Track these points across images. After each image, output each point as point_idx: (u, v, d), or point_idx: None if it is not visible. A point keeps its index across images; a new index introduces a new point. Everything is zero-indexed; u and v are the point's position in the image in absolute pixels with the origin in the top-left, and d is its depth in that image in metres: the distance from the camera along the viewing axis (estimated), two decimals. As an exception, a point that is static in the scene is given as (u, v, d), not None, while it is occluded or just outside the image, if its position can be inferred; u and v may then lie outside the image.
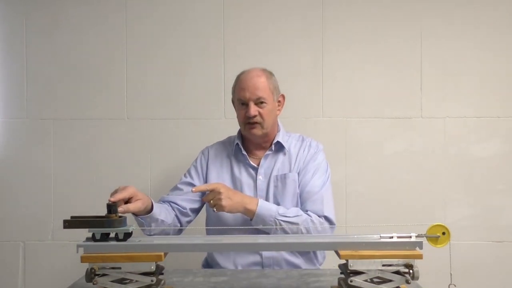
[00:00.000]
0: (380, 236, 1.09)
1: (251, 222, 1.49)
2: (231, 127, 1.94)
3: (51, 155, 2.12)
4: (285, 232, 1.47)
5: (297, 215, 1.50)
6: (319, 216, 1.54)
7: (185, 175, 1.68)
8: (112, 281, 1.06)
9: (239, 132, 1.69)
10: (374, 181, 2.09)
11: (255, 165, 1.63)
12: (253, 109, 1.56)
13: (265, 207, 1.49)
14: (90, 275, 1.04)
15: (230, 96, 1.87)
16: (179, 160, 2.07)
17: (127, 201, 1.29)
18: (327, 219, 1.54)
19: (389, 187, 2.09)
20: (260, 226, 1.47)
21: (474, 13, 2.09)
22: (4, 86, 2.12)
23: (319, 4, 2.10)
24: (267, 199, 1.59)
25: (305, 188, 1.59)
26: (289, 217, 1.49)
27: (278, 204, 1.58)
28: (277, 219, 1.47)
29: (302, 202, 1.59)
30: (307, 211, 1.55)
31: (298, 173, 1.61)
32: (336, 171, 2.08)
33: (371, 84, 2.10)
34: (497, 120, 2.09)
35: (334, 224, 1.55)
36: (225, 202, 1.42)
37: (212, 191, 1.44)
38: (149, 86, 2.12)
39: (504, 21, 2.08)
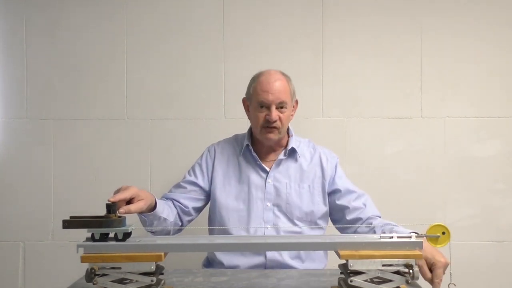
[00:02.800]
0: (380, 236, 1.09)
1: None
2: (231, 127, 1.94)
3: (51, 155, 2.12)
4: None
5: (396, 225, 1.44)
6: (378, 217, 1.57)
7: (189, 173, 1.65)
8: (112, 281, 1.06)
9: (249, 132, 1.67)
10: (374, 181, 2.09)
11: (267, 168, 1.61)
12: (275, 114, 1.53)
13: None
14: (90, 275, 1.04)
15: (230, 96, 1.88)
16: (179, 160, 2.07)
17: (129, 201, 1.29)
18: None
19: (389, 187, 2.09)
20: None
21: (474, 13, 2.09)
22: (4, 86, 2.12)
23: (319, 4, 2.11)
24: (275, 203, 1.57)
25: (359, 202, 1.59)
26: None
27: (290, 211, 1.57)
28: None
29: (358, 212, 1.57)
30: (370, 217, 1.55)
31: (328, 184, 1.62)
32: (336, 171, 2.08)
33: (371, 84, 2.10)
34: (497, 120, 2.09)
35: None
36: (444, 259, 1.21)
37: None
38: (149, 86, 2.12)
39: (504, 21, 2.08)
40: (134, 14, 2.12)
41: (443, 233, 1.08)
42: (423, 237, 1.08)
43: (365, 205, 1.58)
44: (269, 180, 1.59)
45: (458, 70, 2.09)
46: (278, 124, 1.55)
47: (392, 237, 1.08)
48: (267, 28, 2.11)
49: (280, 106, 1.54)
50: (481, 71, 2.09)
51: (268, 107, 1.54)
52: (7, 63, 2.12)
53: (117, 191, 1.26)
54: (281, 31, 2.11)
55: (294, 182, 1.60)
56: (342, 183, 1.62)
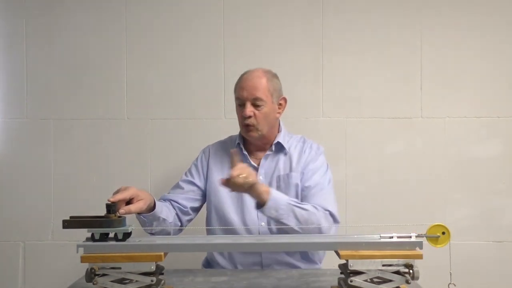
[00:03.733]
0: (380, 236, 1.09)
1: (263, 209, 1.40)
2: (231, 127, 1.94)
3: (51, 155, 2.12)
4: (296, 219, 1.40)
5: (303, 203, 1.46)
6: (324, 210, 1.48)
7: (185, 174, 1.67)
8: (112, 281, 1.06)
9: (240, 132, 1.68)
10: (374, 181, 2.09)
11: (256, 165, 1.62)
12: (249, 110, 1.54)
13: (278, 193, 1.45)
14: (90, 275, 1.05)
15: (230, 96, 1.85)
16: (179, 160, 2.07)
17: (129, 201, 1.29)
18: (331, 214, 1.49)
19: (389, 187, 2.09)
20: (273, 214, 1.39)
21: (474, 13, 2.09)
22: (4, 86, 2.12)
23: (319, 4, 2.10)
24: None
25: (305, 184, 1.56)
26: (297, 201, 1.46)
27: None
28: (289, 203, 1.41)
29: (302, 199, 1.55)
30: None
31: (300, 175, 1.59)
32: (336, 171, 2.07)
33: (371, 84, 2.10)
34: (497, 120, 2.09)
35: (338, 222, 1.51)
36: (254, 178, 1.37)
37: (242, 165, 1.38)
38: (149, 86, 2.12)
39: (504, 21, 2.08)
40: (134, 14, 2.12)
41: (443, 233, 1.08)
42: (423, 237, 1.08)
43: (308, 196, 1.55)
44: (259, 177, 1.60)
45: (458, 70, 2.09)
46: (253, 121, 1.55)
47: (392, 237, 1.09)
48: (267, 28, 2.11)
49: (256, 103, 1.55)
50: (481, 71, 2.09)
51: (244, 104, 1.55)
52: (7, 63, 2.12)
53: (116, 192, 1.27)
54: (281, 31, 2.11)
55: (284, 176, 1.59)
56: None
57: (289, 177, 1.59)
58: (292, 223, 1.40)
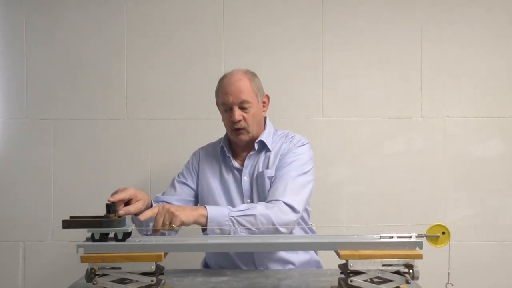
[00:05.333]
0: (380, 236, 1.09)
1: (206, 232, 1.36)
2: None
3: (51, 155, 2.12)
4: (247, 228, 1.36)
5: (250, 208, 1.40)
6: (275, 200, 1.43)
7: (178, 176, 1.68)
8: (112, 281, 1.06)
9: (226, 133, 1.68)
10: (374, 181, 2.09)
11: (239, 166, 1.61)
12: (238, 114, 1.53)
13: (215, 209, 1.39)
14: (90, 275, 1.05)
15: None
16: (179, 160, 2.06)
17: (127, 202, 1.29)
18: (286, 204, 1.42)
19: (389, 187, 2.09)
20: (218, 231, 1.35)
21: (474, 13, 2.09)
22: (4, 86, 2.12)
23: (319, 3, 2.11)
24: (251, 199, 1.57)
25: (275, 175, 1.54)
26: (242, 210, 1.38)
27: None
28: (232, 216, 1.36)
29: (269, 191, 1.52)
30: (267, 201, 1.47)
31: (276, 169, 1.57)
32: (336, 171, 2.08)
33: (371, 84, 2.10)
34: (497, 120, 2.09)
35: (298, 212, 1.43)
36: (179, 213, 1.28)
37: (158, 213, 1.29)
38: (149, 86, 2.12)
39: (504, 21, 2.08)
40: (134, 14, 2.12)
41: (443, 233, 1.08)
42: (423, 237, 1.08)
43: (271, 187, 1.53)
44: (244, 177, 1.59)
45: (458, 70, 2.09)
46: (243, 124, 1.55)
47: (392, 237, 1.09)
48: (267, 28, 2.11)
49: (243, 106, 1.54)
50: (481, 71, 2.09)
51: (231, 109, 1.55)
52: (7, 63, 2.12)
53: (115, 193, 1.27)
54: (281, 31, 2.11)
55: (260, 172, 1.58)
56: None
57: (265, 173, 1.56)
58: (243, 232, 1.36)
